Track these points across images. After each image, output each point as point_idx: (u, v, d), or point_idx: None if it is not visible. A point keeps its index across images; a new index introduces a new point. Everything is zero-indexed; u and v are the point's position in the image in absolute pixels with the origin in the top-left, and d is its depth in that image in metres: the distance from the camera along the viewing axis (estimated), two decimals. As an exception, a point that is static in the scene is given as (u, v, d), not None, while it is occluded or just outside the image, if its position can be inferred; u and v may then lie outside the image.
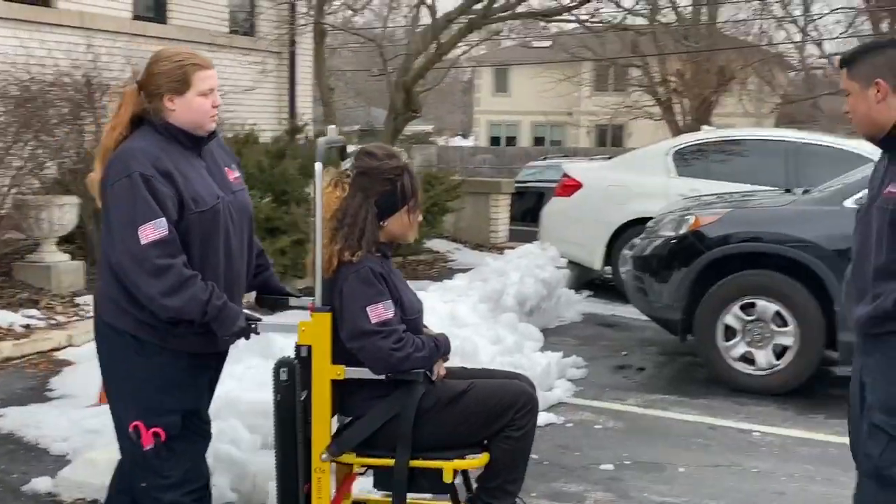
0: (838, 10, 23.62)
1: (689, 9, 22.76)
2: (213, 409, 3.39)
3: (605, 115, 28.43)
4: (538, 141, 42.39)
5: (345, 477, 3.50)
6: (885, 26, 23.80)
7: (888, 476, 2.84)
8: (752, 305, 6.26)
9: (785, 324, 6.18)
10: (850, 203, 6.08)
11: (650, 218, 7.56)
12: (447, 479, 3.23)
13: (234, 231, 3.13)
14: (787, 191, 7.58)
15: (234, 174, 3.23)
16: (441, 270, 10.44)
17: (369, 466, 3.38)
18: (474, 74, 45.89)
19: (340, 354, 3.22)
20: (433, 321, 3.99)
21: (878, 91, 2.87)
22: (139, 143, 3.00)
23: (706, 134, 10.30)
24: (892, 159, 2.92)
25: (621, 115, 26.26)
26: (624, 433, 5.44)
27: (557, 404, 5.89)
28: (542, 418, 5.61)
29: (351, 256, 3.23)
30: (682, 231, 6.57)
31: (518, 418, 3.28)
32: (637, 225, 8.63)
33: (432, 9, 12.75)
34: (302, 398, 3.18)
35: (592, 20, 14.31)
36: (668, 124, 23.05)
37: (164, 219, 2.92)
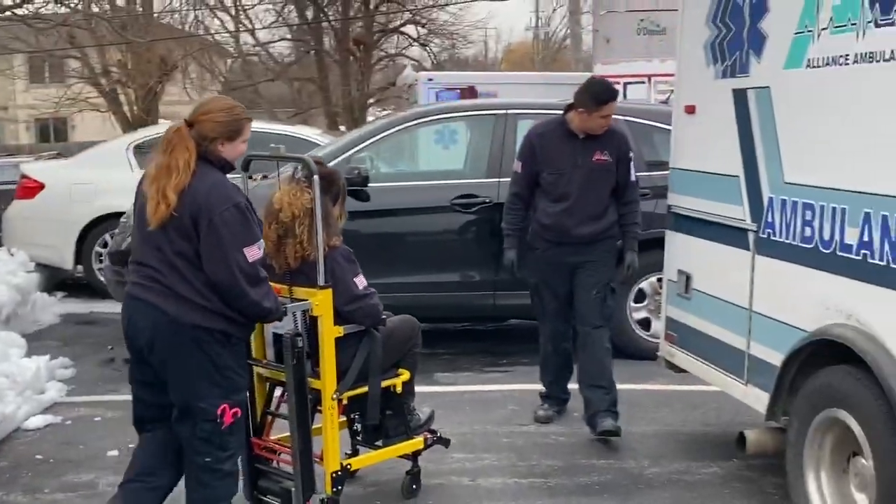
0: (266, 1, 25.23)
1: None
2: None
3: (46, 109, 27.19)
4: (-29, 139, 39.05)
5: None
6: (310, 13, 25.94)
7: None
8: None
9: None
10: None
11: (119, 213, 7.78)
12: (398, 391, 4.44)
13: None
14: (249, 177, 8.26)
15: None
16: None
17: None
18: None
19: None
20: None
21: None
22: (220, 177, 3.69)
23: (163, 128, 10.64)
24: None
25: (65, 107, 25.35)
26: (124, 421, 5.68)
27: (52, 405, 5.96)
28: (40, 420, 5.70)
29: (336, 242, 4.22)
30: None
31: (416, 336, 4.58)
32: (106, 221, 8.76)
33: None
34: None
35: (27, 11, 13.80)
36: (115, 116, 22.82)
37: (262, 240, 3.78)
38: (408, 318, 4.59)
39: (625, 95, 11.80)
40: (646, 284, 6.93)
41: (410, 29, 28.19)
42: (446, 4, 27.08)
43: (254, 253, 3.65)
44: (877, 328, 3.51)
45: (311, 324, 4.09)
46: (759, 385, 4.24)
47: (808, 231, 3.91)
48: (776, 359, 4.05)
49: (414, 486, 4.57)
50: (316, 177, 3.98)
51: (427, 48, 28.47)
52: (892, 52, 3.43)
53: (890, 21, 3.46)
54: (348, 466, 4.24)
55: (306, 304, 4.04)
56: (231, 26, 26.03)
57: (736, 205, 4.42)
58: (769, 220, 4.18)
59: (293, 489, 4.06)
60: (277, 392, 4.35)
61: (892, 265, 3.42)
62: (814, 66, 3.89)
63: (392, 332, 4.40)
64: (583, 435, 5.32)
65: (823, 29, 3.83)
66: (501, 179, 6.85)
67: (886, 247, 3.45)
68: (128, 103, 22.74)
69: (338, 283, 4.10)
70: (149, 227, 3.60)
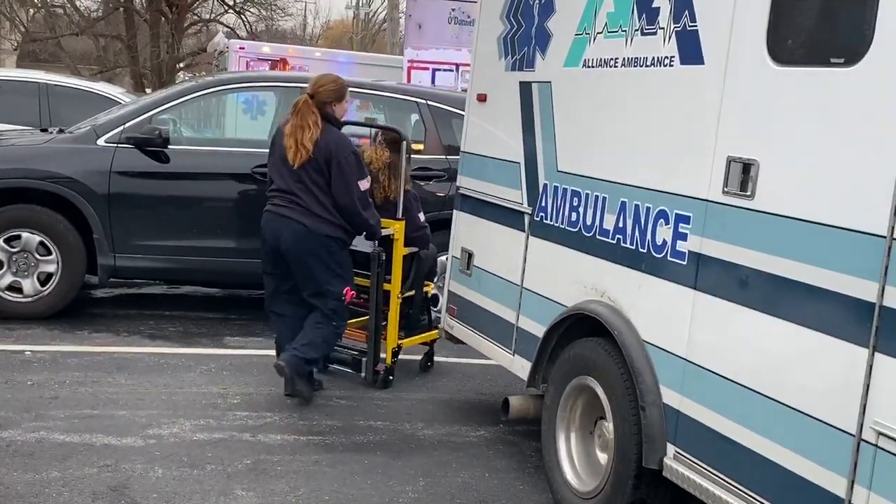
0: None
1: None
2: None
3: None
4: None
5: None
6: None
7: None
8: (18, 238, 6.68)
9: (49, 253, 6.73)
10: (102, 142, 6.86)
11: None
12: (429, 295, 6.32)
13: None
14: (44, 130, 8.06)
15: None
16: None
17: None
18: None
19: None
20: None
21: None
22: (339, 132, 5.37)
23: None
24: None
25: None
26: None
27: None
28: None
29: (408, 187, 6.05)
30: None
31: (437, 261, 6.46)
32: None
33: None
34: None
35: None
36: None
37: (369, 176, 5.50)
38: (433, 248, 6.24)
39: (433, 82, 12.15)
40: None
41: (227, -5, 27.64)
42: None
43: (364, 184, 5.33)
44: (623, 305, 3.94)
45: (386, 244, 5.73)
46: (524, 355, 4.62)
47: (574, 216, 4.30)
48: (539, 331, 4.44)
49: (429, 364, 6.28)
50: (404, 142, 5.90)
51: (243, 16, 28.02)
52: (654, 58, 3.85)
53: (653, 31, 3.87)
54: (401, 344, 5.94)
55: (389, 231, 5.73)
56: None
57: (515, 189, 4.77)
58: (543, 204, 4.55)
59: (363, 359, 5.80)
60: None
61: (640, 249, 3.85)
62: (589, 66, 4.28)
63: (427, 256, 6.14)
64: (364, 399, 5.58)
65: (599, 33, 4.22)
66: (304, 152, 7.00)
67: (636, 233, 3.87)
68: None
69: (409, 216, 5.84)
70: (292, 166, 5.18)
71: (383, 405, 5.53)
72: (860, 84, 2.94)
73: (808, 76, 3.14)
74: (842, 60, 3.02)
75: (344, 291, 5.38)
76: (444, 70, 12.04)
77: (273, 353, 5.70)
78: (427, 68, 12.03)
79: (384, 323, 5.85)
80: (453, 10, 12.29)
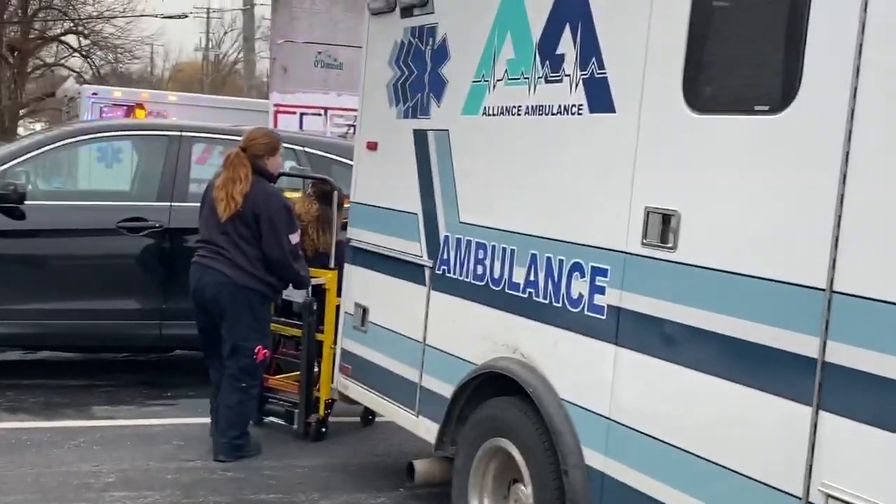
0: None
1: None
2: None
3: None
4: None
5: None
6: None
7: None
8: None
9: None
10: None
11: None
12: None
13: None
14: None
15: None
16: None
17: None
18: None
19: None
20: None
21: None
22: (270, 187, 5.41)
23: None
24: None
25: None
26: None
27: None
28: None
29: (340, 237, 5.64)
30: None
31: None
32: None
33: None
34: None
35: None
36: None
37: (299, 230, 5.50)
38: None
39: (301, 126, 11.86)
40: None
41: (72, 39, 26.64)
42: (112, 17, 25.92)
43: (295, 237, 5.35)
44: (539, 362, 3.76)
45: (319, 294, 5.71)
46: (429, 416, 4.38)
47: (480, 269, 4.11)
48: (447, 391, 4.21)
49: (370, 417, 6.03)
50: (335, 193, 5.84)
51: (89, 59, 27.01)
52: (561, 106, 3.72)
53: (558, 78, 3.74)
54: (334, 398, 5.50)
55: (320, 280, 5.69)
56: None
57: (414, 241, 4.56)
58: (444, 257, 4.35)
59: (296, 411, 5.73)
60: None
61: (555, 303, 3.68)
62: (489, 114, 4.12)
63: None
64: (252, 469, 5.22)
65: (499, 80, 4.07)
66: (174, 204, 6.63)
67: (550, 286, 3.71)
68: None
69: (342, 266, 5.42)
70: (221, 218, 5.18)
71: (274, 475, 5.18)
72: (788, 131, 2.86)
73: (729, 124, 3.06)
74: (767, 108, 2.94)
75: (256, 350, 5.30)
76: (312, 114, 11.77)
77: (146, 422, 5.28)
78: (294, 112, 11.73)
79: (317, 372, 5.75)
80: (320, 52, 12.05)
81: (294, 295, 5.70)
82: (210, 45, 42.24)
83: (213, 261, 5.25)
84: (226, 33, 42.50)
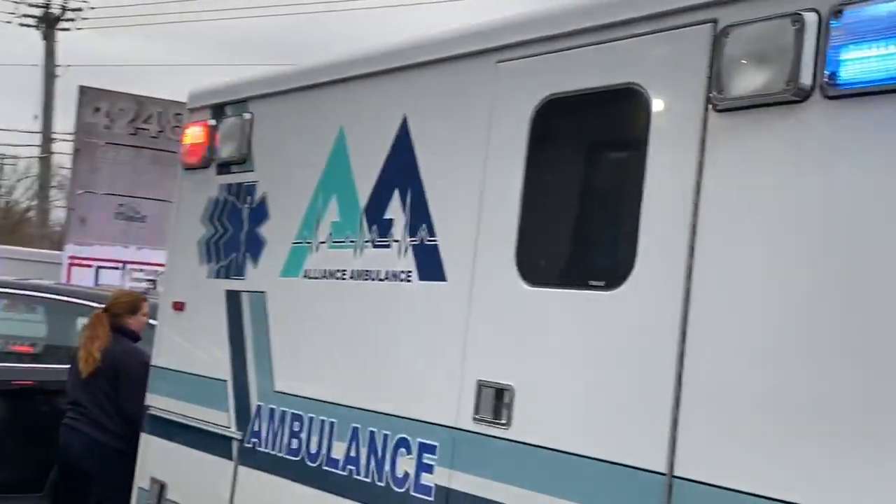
0: None
1: None
2: None
3: None
4: None
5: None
6: None
7: None
8: None
9: None
10: None
11: None
12: None
13: None
14: None
15: None
16: None
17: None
18: None
19: None
20: None
21: None
22: (129, 343, 5.40)
23: None
24: None
25: None
26: None
27: None
28: None
29: None
30: None
31: None
32: None
33: None
34: None
35: None
36: None
37: None
38: None
39: (97, 281, 11.22)
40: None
41: None
42: None
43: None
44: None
45: None
46: None
47: (295, 443, 3.81)
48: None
49: None
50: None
51: None
52: (389, 272, 3.57)
53: (386, 243, 3.61)
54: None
55: None
56: None
57: (221, 410, 4.21)
58: (255, 429, 4.02)
59: None
60: None
61: (377, 482, 3.43)
62: (311, 277, 3.92)
63: None
64: None
65: (322, 242, 3.90)
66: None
67: (372, 464, 3.46)
68: None
69: None
70: (82, 375, 5.19)
71: None
72: (622, 308, 2.81)
73: (564, 298, 2.99)
74: (602, 283, 2.89)
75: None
76: (110, 268, 11.17)
77: None
78: (90, 265, 11.10)
79: None
80: (121, 205, 11.57)
81: None
82: (1, 192, 40.32)
83: (79, 422, 5.27)
84: (18, 181, 40.75)
